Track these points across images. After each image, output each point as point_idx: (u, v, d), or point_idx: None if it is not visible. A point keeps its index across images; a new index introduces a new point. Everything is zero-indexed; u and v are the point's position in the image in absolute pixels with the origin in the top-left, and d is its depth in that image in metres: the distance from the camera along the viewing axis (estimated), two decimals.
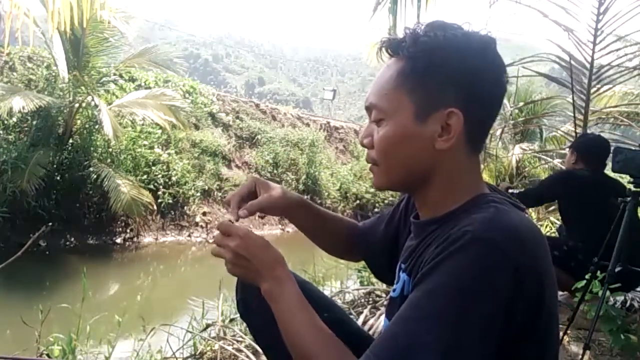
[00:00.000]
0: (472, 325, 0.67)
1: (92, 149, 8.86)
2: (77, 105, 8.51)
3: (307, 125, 14.70)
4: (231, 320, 2.76)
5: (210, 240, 9.76)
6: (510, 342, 0.70)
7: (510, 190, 3.08)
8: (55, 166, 8.25)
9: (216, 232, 0.90)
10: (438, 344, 0.67)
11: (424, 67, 0.80)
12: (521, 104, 8.08)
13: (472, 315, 0.67)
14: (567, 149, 3.15)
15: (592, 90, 4.17)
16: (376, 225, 1.13)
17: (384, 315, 0.97)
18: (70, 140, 8.73)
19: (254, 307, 1.02)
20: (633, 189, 2.07)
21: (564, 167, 3.50)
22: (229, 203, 1.01)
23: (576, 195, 2.76)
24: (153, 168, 9.65)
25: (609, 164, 2.46)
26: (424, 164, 0.83)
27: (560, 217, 3.15)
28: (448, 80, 0.79)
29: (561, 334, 2.19)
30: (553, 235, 4.20)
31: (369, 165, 0.90)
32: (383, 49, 0.85)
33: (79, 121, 8.88)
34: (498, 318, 0.68)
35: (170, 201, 9.64)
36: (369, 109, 0.87)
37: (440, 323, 0.68)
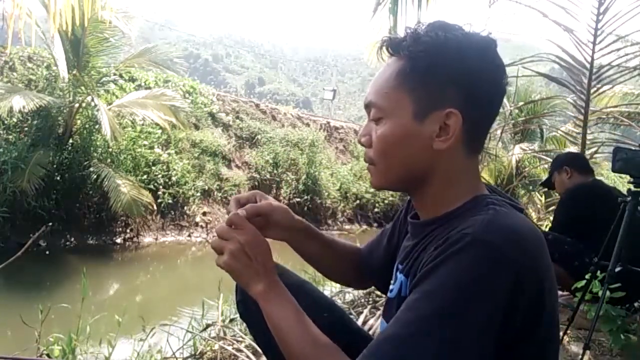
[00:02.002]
0: (470, 327, 0.67)
1: (92, 149, 8.85)
2: (77, 105, 8.51)
3: (307, 125, 14.69)
4: (231, 320, 2.76)
5: (211, 241, 9.71)
6: (511, 343, 0.70)
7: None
8: (55, 166, 8.24)
9: (220, 225, 0.88)
10: (437, 346, 0.67)
11: (425, 67, 0.80)
12: (521, 103, 8.08)
13: (470, 317, 0.67)
14: (555, 174, 2.91)
15: (592, 90, 4.17)
16: (379, 243, 1.11)
17: (381, 315, 0.98)
18: (70, 140, 8.72)
19: (253, 308, 1.02)
20: (633, 189, 2.07)
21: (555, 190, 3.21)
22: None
23: (597, 207, 2.59)
24: (153, 168, 9.65)
25: (608, 165, 2.45)
26: (422, 164, 0.83)
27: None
28: (448, 80, 0.79)
29: (561, 334, 2.19)
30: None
31: (367, 164, 0.90)
32: (383, 48, 0.85)
33: (79, 121, 8.88)
34: (497, 319, 0.68)
35: (170, 201, 9.64)
36: (368, 107, 0.87)
37: (439, 325, 0.68)
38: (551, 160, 3.55)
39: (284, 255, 1.10)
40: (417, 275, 0.75)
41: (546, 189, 7.58)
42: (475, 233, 0.71)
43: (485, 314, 0.68)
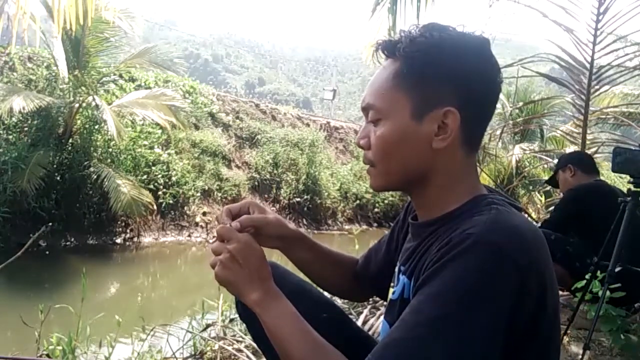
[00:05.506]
0: (477, 329, 0.67)
1: (92, 149, 8.85)
2: (77, 105, 8.50)
3: (307, 125, 14.69)
4: (231, 320, 2.76)
5: (211, 241, 9.78)
6: (514, 342, 0.70)
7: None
8: (55, 166, 8.24)
9: (213, 241, 0.88)
10: (444, 349, 0.67)
11: (421, 67, 0.80)
12: (521, 103, 8.08)
13: (477, 318, 0.67)
14: (559, 172, 2.93)
15: (592, 90, 4.17)
16: (377, 251, 1.10)
17: (383, 317, 0.97)
18: (70, 140, 8.72)
19: None
20: (633, 189, 2.07)
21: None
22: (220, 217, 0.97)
23: (596, 208, 2.58)
24: (153, 168, 9.64)
25: (608, 165, 2.45)
26: (422, 164, 0.83)
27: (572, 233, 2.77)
28: (444, 79, 0.80)
29: (561, 334, 2.19)
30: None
31: (367, 167, 0.89)
32: (379, 51, 0.86)
33: (79, 121, 8.87)
34: (503, 320, 0.68)
35: (171, 201, 9.63)
36: (365, 109, 0.87)
37: (446, 327, 0.67)
38: (551, 160, 3.56)
39: (284, 256, 1.09)
40: (420, 277, 0.74)
41: (546, 189, 7.60)
42: (479, 234, 0.70)
43: (491, 315, 0.68)
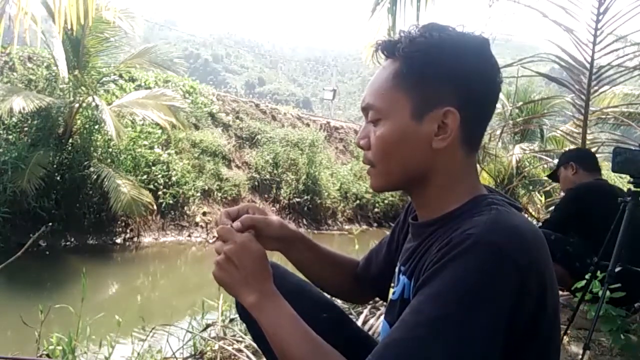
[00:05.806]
0: (477, 329, 0.67)
1: (92, 149, 8.85)
2: (77, 105, 8.51)
3: (307, 125, 14.69)
4: (231, 320, 2.76)
5: (211, 241, 9.78)
6: (514, 343, 0.70)
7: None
8: (55, 166, 8.24)
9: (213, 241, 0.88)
10: (444, 349, 0.67)
11: (420, 67, 0.80)
12: (521, 103, 8.08)
13: (477, 319, 0.67)
14: (561, 168, 2.92)
15: (592, 90, 4.17)
16: (377, 252, 1.10)
17: (383, 317, 0.97)
18: (70, 140, 8.72)
19: None
20: (633, 189, 2.07)
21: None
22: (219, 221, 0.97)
23: (597, 207, 2.57)
24: (153, 168, 9.65)
25: (608, 165, 2.44)
26: (422, 164, 0.83)
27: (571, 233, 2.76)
28: (444, 79, 0.80)
29: (561, 334, 2.19)
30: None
31: (367, 167, 0.89)
32: (379, 51, 0.86)
33: (79, 121, 8.88)
34: (503, 321, 0.68)
35: (171, 201, 9.63)
36: (365, 109, 0.87)
37: (446, 327, 0.67)
38: (551, 160, 3.56)
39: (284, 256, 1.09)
40: (421, 277, 0.74)
41: (546, 189, 7.60)
42: (479, 234, 0.70)
43: (491, 315, 0.68)
